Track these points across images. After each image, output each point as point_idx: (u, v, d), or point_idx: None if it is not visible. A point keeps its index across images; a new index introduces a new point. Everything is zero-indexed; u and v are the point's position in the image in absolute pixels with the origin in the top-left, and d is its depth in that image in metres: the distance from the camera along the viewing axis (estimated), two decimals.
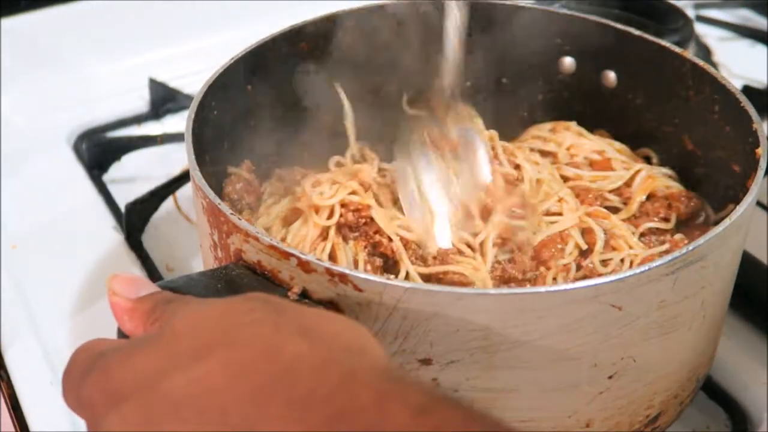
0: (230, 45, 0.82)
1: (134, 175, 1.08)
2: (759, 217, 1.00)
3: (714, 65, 1.34)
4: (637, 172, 0.81)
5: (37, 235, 0.98)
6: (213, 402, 0.38)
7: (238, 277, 0.57)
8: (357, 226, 0.73)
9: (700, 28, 1.46)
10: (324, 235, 0.73)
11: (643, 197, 0.78)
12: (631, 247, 0.73)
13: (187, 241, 0.97)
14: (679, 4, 1.52)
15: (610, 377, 0.59)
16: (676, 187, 0.80)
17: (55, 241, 0.96)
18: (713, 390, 0.79)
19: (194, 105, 0.72)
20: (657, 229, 0.77)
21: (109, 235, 0.97)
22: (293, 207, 0.76)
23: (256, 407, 0.37)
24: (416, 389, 0.38)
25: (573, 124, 0.89)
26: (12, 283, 0.90)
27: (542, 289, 0.55)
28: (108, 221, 0.99)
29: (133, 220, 0.95)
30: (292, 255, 0.54)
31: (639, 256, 0.72)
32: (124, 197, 0.99)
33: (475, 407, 0.37)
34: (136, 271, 0.91)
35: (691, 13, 1.50)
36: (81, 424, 0.75)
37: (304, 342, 0.40)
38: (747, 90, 1.21)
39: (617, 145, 0.87)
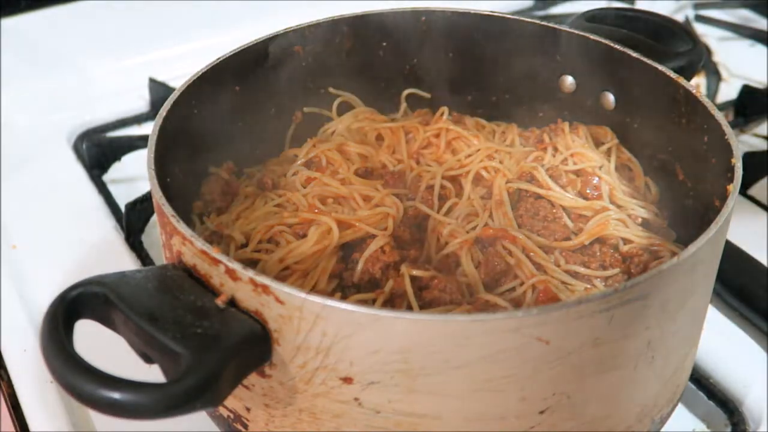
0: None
1: (134, 175, 1.08)
2: (759, 218, 1.00)
3: (714, 65, 1.34)
4: (601, 211, 0.77)
5: (37, 235, 0.98)
6: None
7: (172, 279, 0.57)
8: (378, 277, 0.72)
9: (700, 28, 1.46)
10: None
11: (586, 241, 0.75)
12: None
13: None
14: (678, 4, 1.52)
15: (541, 412, 0.57)
16: (638, 242, 0.75)
17: (55, 241, 0.96)
18: (713, 390, 0.79)
19: (169, 103, 0.72)
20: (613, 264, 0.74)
21: (109, 235, 0.97)
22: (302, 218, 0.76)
23: None
24: None
25: (607, 134, 0.88)
26: (12, 283, 0.90)
27: (460, 317, 0.53)
28: (108, 221, 0.99)
29: (133, 220, 0.95)
30: (221, 262, 0.55)
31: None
32: (124, 197, 0.99)
33: None
34: None
35: (690, 13, 1.50)
36: (81, 424, 0.75)
37: None
38: (747, 90, 1.21)
39: (625, 157, 0.85)
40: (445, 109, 0.92)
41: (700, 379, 0.80)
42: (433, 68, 0.94)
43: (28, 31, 1.31)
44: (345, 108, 0.94)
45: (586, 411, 0.59)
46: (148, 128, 1.18)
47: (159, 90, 1.20)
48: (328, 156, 0.85)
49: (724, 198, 0.64)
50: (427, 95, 0.96)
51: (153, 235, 0.97)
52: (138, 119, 1.20)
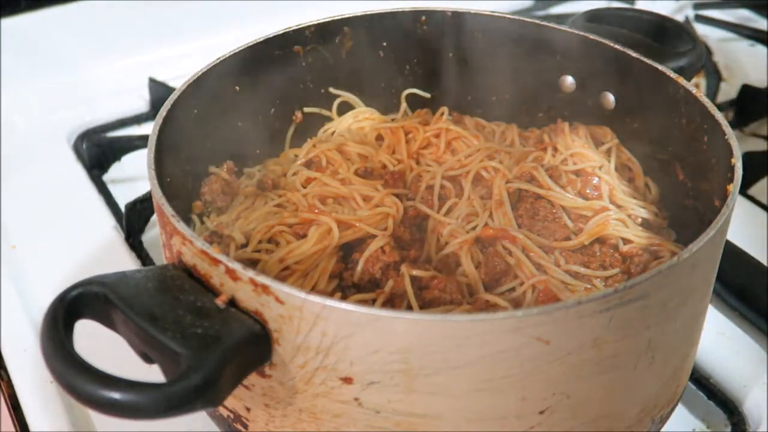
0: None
1: (134, 175, 1.08)
2: (759, 218, 1.00)
3: (714, 65, 1.34)
4: (601, 211, 0.77)
5: (37, 235, 0.98)
6: None
7: (172, 279, 0.57)
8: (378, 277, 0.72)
9: (700, 28, 1.46)
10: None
11: (586, 241, 0.75)
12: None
13: None
14: (678, 4, 1.52)
15: (541, 412, 0.57)
16: (638, 242, 0.75)
17: (55, 241, 0.96)
18: (713, 390, 0.79)
19: (169, 103, 0.72)
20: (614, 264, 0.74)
21: (109, 235, 0.97)
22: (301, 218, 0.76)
23: None
24: None
25: (607, 134, 0.87)
26: (12, 283, 0.90)
27: (460, 317, 0.53)
28: (108, 221, 0.99)
29: (133, 220, 0.95)
30: (221, 262, 0.55)
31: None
32: (124, 197, 0.99)
33: None
34: None
35: (690, 13, 1.50)
36: (81, 424, 0.75)
37: None
38: (747, 90, 1.21)
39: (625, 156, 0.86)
40: (445, 109, 0.92)
41: (700, 379, 0.80)
42: (433, 68, 0.94)
43: (28, 31, 1.30)
44: (345, 108, 0.94)
45: (586, 411, 0.59)
46: (148, 128, 1.19)
47: (159, 90, 1.20)
48: (328, 156, 0.85)
49: (724, 198, 0.64)
50: (427, 95, 0.96)
51: (153, 235, 0.97)
52: (138, 119, 1.20)
